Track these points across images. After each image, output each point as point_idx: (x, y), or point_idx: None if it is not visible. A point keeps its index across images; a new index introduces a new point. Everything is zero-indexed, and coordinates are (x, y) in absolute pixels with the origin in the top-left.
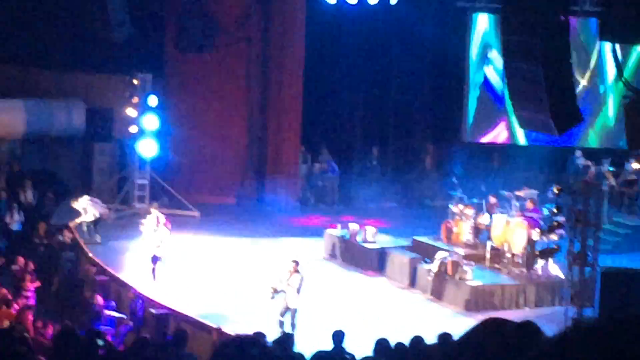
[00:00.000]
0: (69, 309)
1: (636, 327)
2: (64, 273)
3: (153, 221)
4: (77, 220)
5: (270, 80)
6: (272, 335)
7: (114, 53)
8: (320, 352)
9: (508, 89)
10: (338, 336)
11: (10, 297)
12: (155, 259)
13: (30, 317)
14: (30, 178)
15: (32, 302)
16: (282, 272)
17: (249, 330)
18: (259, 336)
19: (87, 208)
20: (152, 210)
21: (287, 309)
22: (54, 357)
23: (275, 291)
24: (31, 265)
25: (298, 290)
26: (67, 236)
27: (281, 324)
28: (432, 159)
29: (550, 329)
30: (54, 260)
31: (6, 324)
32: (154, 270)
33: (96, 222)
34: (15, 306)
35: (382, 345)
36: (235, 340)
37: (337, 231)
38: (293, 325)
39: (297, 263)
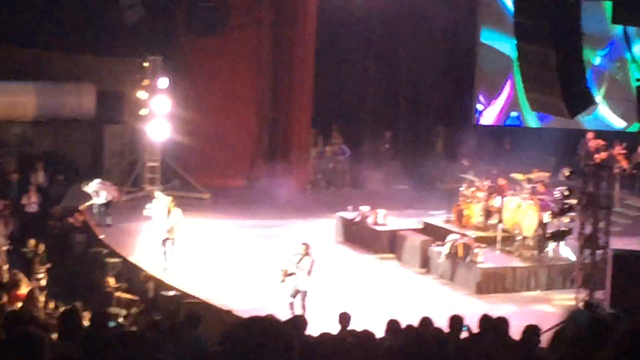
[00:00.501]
0: (80, 291)
1: None
2: (75, 255)
3: (159, 206)
4: (88, 203)
5: (281, 62)
6: (282, 317)
7: (124, 35)
8: (326, 334)
9: (520, 72)
10: (344, 318)
11: (21, 278)
12: (166, 243)
13: (42, 299)
14: (41, 160)
15: (43, 283)
16: (292, 255)
17: (259, 312)
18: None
19: (98, 191)
20: (156, 194)
21: (297, 291)
22: (62, 338)
23: (287, 274)
24: (42, 247)
25: (309, 273)
26: (78, 219)
27: (291, 305)
28: (443, 142)
29: (561, 312)
30: (66, 242)
31: (17, 305)
32: (165, 253)
33: (107, 205)
34: (27, 287)
35: (392, 326)
36: (247, 321)
37: (348, 214)
38: (304, 308)
39: (307, 245)
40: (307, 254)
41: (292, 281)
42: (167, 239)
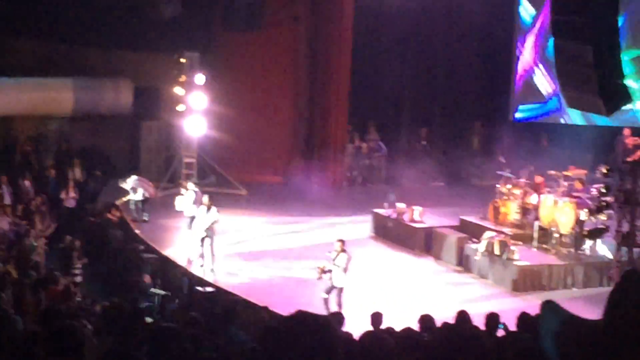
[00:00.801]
0: (116, 287)
1: None
2: (111, 251)
3: (189, 198)
4: (125, 199)
5: (318, 58)
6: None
7: (161, 31)
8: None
9: (556, 69)
10: (376, 318)
11: (58, 274)
12: (205, 241)
13: (78, 294)
14: (79, 156)
15: (79, 279)
16: (329, 252)
17: (295, 309)
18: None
19: (135, 187)
20: (189, 186)
21: (333, 287)
22: (101, 332)
23: (323, 271)
24: (78, 243)
25: (345, 270)
26: (115, 215)
27: (326, 302)
28: (479, 139)
29: (598, 310)
30: (103, 238)
31: (54, 301)
32: (203, 252)
33: (144, 201)
34: (63, 283)
35: (426, 322)
36: (289, 317)
37: (384, 210)
38: (339, 304)
39: (343, 242)
40: (343, 250)
41: (328, 278)
42: (206, 237)
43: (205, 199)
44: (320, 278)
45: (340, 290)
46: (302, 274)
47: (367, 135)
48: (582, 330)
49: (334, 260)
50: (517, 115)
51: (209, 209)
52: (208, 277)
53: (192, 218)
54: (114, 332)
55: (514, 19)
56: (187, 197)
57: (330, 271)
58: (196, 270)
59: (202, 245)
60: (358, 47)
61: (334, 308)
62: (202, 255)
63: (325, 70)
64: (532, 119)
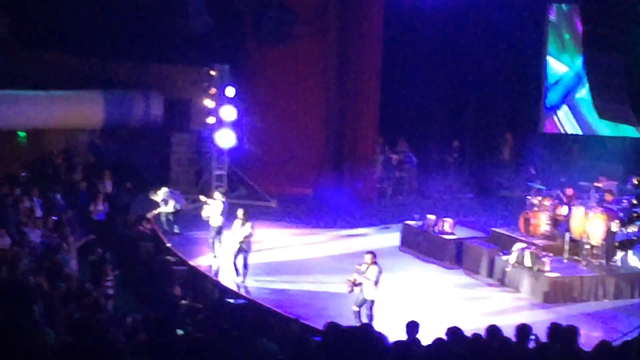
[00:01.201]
0: (147, 299)
1: None
2: (142, 263)
3: (218, 207)
4: (156, 211)
5: (348, 71)
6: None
7: (192, 44)
8: (399, 342)
9: (587, 80)
10: (412, 327)
11: (89, 286)
12: (239, 254)
13: (109, 307)
14: (109, 169)
15: (111, 292)
16: (359, 264)
17: (326, 321)
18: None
19: (166, 199)
20: (216, 195)
21: (364, 300)
22: (135, 345)
23: (354, 284)
24: (109, 255)
25: (375, 283)
26: (146, 227)
27: (357, 314)
28: (510, 150)
29: (630, 322)
30: (134, 250)
31: (85, 312)
32: (236, 266)
33: (175, 213)
34: (95, 295)
35: (454, 333)
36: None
37: (415, 222)
38: (370, 317)
39: (374, 255)
40: (373, 263)
41: (359, 291)
42: (240, 250)
43: (240, 212)
44: (351, 291)
45: (372, 303)
46: (332, 286)
47: (397, 146)
48: None
49: (364, 273)
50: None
51: (243, 222)
52: (240, 290)
53: (219, 228)
54: (145, 344)
55: (544, 30)
56: (214, 207)
57: (360, 284)
58: (227, 282)
59: (235, 259)
60: (388, 59)
61: (364, 321)
62: (235, 269)
63: (355, 82)
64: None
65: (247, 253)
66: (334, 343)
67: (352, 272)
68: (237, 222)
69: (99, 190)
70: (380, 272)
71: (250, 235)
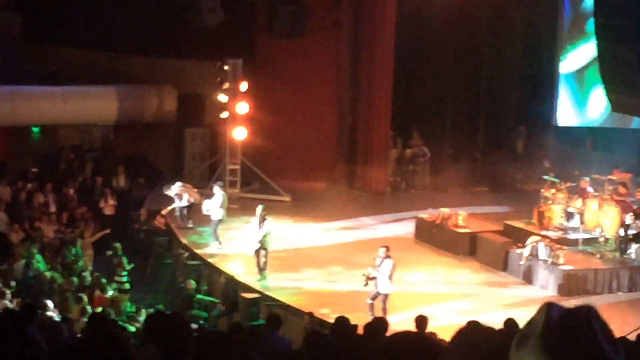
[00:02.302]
0: (161, 294)
1: None
2: (156, 258)
3: (217, 201)
4: (170, 207)
5: (361, 64)
6: (363, 318)
7: (204, 39)
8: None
9: (600, 72)
10: (421, 321)
11: (104, 281)
12: (258, 251)
13: (124, 301)
14: (123, 164)
15: (126, 286)
16: (373, 258)
17: (340, 314)
18: (345, 322)
19: (180, 194)
20: (215, 189)
21: (378, 293)
22: (146, 339)
23: (369, 278)
24: (124, 250)
25: (389, 277)
26: (160, 222)
27: (371, 307)
28: (524, 143)
29: None
30: (148, 245)
31: (100, 307)
32: (259, 262)
33: (189, 208)
34: (109, 290)
35: (474, 327)
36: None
37: (428, 215)
38: (384, 310)
39: (388, 249)
40: (387, 256)
41: (374, 284)
42: (260, 248)
43: (259, 210)
44: (366, 284)
45: (386, 296)
46: (346, 280)
47: (411, 140)
48: None
49: (378, 266)
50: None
51: (262, 220)
52: (252, 283)
53: (219, 221)
54: (159, 339)
55: (557, 23)
56: (213, 200)
57: (375, 278)
58: (241, 276)
59: (257, 257)
60: (401, 52)
61: (378, 313)
62: (258, 265)
63: (368, 76)
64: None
65: (267, 250)
66: (343, 337)
67: (366, 266)
68: (256, 220)
69: (112, 186)
70: (394, 266)
71: (269, 233)
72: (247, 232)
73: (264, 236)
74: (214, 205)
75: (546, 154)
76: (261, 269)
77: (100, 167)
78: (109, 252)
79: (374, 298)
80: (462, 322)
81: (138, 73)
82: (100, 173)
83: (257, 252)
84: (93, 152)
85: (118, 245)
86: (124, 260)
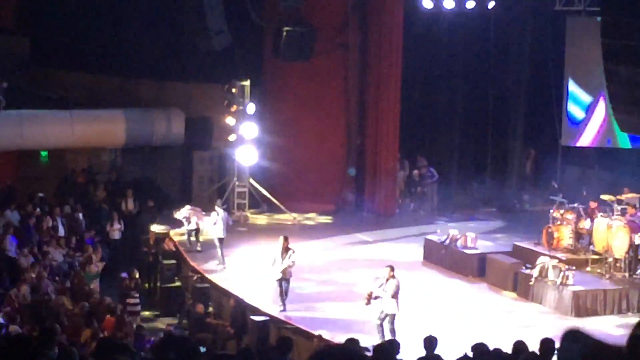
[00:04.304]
0: (170, 317)
1: None
2: (165, 281)
3: (214, 219)
4: (179, 230)
5: (368, 86)
6: (373, 340)
7: (212, 62)
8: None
9: (608, 93)
10: (430, 342)
11: (113, 304)
12: (285, 282)
13: (135, 325)
14: (131, 187)
15: (135, 309)
16: (378, 278)
17: (350, 336)
18: (354, 344)
19: (189, 217)
20: (216, 207)
21: (385, 314)
22: None
23: (370, 297)
24: (134, 274)
25: (395, 296)
26: (169, 245)
27: (380, 329)
28: (531, 164)
29: None
30: (156, 268)
31: (110, 332)
32: (282, 292)
33: (197, 231)
34: (119, 314)
35: (479, 349)
36: (330, 349)
37: (437, 237)
38: (392, 331)
39: (392, 268)
40: (392, 276)
41: (379, 304)
42: (282, 279)
43: (282, 240)
44: (368, 304)
45: (393, 316)
46: (354, 301)
47: (417, 162)
48: (607, 356)
49: (383, 286)
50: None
51: (285, 251)
52: (261, 306)
53: (221, 240)
54: None
55: (565, 43)
56: (212, 219)
57: (378, 297)
58: (250, 298)
59: (280, 287)
60: (408, 74)
61: (388, 335)
62: (280, 295)
63: (376, 98)
64: None
65: (288, 282)
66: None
67: (371, 287)
68: (278, 250)
69: (120, 209)
70: (398, 285)
71: (292, 264)
72: (269, 262)
73: (287, 268)
74: (214, 224)
75: (554, 174)
76: (284, 300)
77: (109, 190)
78: (119, 276)
79: (382, 319)
80: (471, 343)
81: (146, 96)
82: (108, 197)
83: (279, 282)
84: (102, 175)
85: (128, 268)
86: (134, 283)
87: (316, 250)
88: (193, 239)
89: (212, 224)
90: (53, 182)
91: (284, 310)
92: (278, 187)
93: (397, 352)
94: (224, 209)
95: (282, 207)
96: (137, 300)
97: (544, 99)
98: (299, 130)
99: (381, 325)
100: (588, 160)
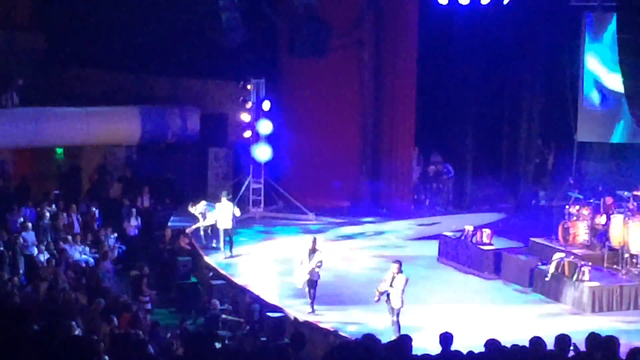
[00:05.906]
0: (186, 314)
1: None
2: (181, 278)
3: (224, 209)
4: (194, 226)
5: (383, 83)
6: (388, 336)
7: (227, 59)
8: (427, 355)
9: (624, 88)
10: (446, 339)
11: (128, 301)
12: (312, 283)
13: (148, 322)
14: (147, 184)
15: (149, 306)
16: (386, 274)
17: (364, 332)
18: (370, 340)
19: (204, 213)
20: (223, 199)
21: (392, 309)
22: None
23: (380, 292)
24: (148, 270)
25: (402, 291)
26: (184, 241)
27: (394, 323)
28: (548, 160)
29: None
30: (172, 265)
31: (125, 328)
32: (311, 294)
33: (213, 227)
34: (133, 311)
35: (492, 346)
36: (345, 345)
37: (452, 233)
38: (398, 324)
39: (400, 264)
40: (399, 272)
41: (387, 300)
42: (310, 280)
43: (310, 241)
44: (377, 300)
45: (398, 311)
46: (370, 297)
47: (432, 157)
48: None
49: (391, 282)
50: None
51: (313, 252)
52: (277, 302)
53: (225, 231)
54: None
55: (580, 38)
56: (221, 211)
57: (385, 292)
58: (265, 295)
59: (308, 288)
60: (423, 70)
61: (397, 330)
62: (309, 297)
63: (391, 94)
64: None
65: (316, 283)
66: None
67: (380, 283)
68: (306, 251)
69: (137, 206)
70: (406, 281)
71: (319, 265)
72: (296, 262)
73: (314, 268)
74: (221, 215)
75: (570, 170)
76: (312, 301)
77: (125, 187)
78: (134, 272)
79: (393, 314)
80: (486, 339)
81: (161, 93)
82: (125, 193)
83: (307, 283)
84: (117, 172)
85: (142, 265)
86: (148, 280)
87: (330, 248)
88: (209, 234)
89: (225, 217)
90: (68, 179)
91: (312, 312)
92: (293, 183)
93: (411, 348)
94: (229, 200)
95: (297, 203)
96: (147, 299)
97: (559, 94)
98: (314, 127)
99: (397, 322)
100: (604, 155)
